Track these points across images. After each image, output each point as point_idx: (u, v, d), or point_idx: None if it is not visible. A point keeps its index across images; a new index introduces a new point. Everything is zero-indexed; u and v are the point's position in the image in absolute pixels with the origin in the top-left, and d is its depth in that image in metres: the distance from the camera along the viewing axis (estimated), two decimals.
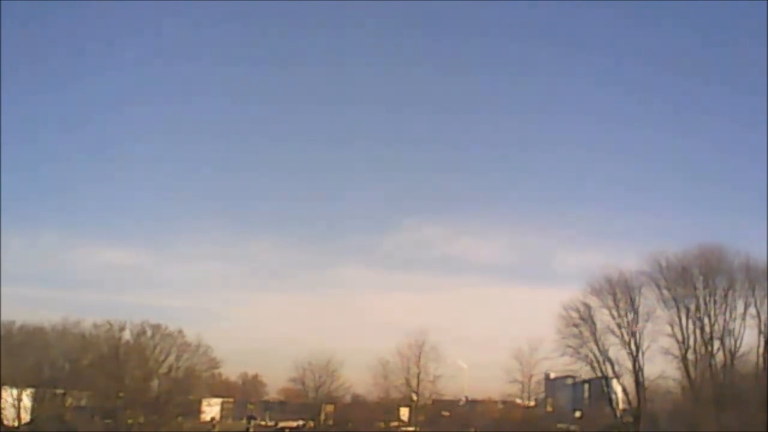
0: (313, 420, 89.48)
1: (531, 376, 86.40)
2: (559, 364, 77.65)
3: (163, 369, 76.46)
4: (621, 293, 72.05)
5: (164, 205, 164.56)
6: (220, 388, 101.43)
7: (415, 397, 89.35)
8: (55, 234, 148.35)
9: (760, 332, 70.17)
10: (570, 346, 72.85)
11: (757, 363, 70.44)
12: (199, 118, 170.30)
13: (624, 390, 74.76)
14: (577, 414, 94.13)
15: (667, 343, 71.35)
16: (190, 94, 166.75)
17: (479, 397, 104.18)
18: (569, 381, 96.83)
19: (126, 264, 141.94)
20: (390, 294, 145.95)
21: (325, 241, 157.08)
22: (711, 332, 70.94)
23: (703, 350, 71.20)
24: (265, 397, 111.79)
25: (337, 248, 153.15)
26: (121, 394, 72.73)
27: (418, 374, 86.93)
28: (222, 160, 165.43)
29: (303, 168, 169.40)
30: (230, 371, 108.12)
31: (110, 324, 76.94)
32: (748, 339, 70.84)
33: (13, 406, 74.21)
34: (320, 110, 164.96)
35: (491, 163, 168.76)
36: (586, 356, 72.80)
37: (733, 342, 71.02)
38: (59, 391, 77.48)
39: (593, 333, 72.28)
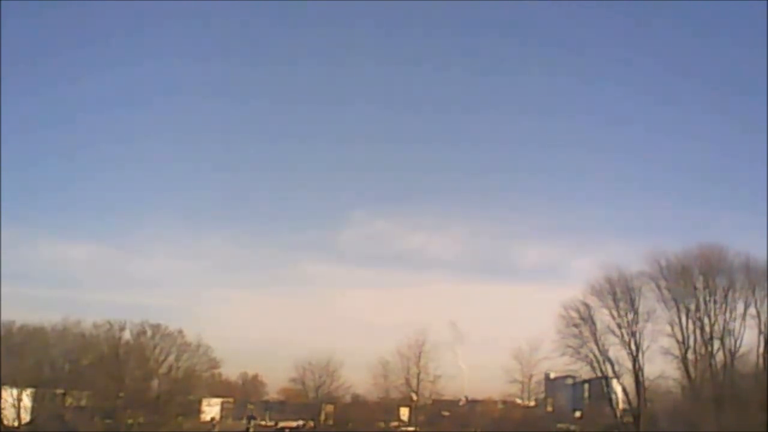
0: (313, 420, 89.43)
1: (531, 376, 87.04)
2: (559, 364, 77.87)
3: (163, 369, 76.49)
4: (621, 293, 72.01)
5: (126, 201, 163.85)
6: (220, 388, 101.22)
7: (415, 397, 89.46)
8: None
9: (760, 332, 70.21)
10: (570, 346, 72.91)
11: (757, 363, 70.45)
12: (169, 117, 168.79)
13: (624, 390, 74.66)
14: (577, 414, 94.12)
15: (667, 343, 71.44)
16: (167, 93, 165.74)
17: (479, 397, 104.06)
18: (569, 381, 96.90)
19: (90, 260, 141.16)
20: (362, 290, 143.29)
21: (278, 236, 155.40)
22: (711, 332, 70.93)
23: (703, 350, 71.18)
24: (265, 397, 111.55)
25: (292, 243, 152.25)
26: (121, 394, 72.77)
27: (418, 374, 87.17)
28: (185, 158, 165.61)
29: (264, 166, 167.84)
30: (230, 371, 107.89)
31: (110, 324, 77.15)
32: (748, 339, 70.93)
33: (13, 406, 74.17)
34: (277, 108, 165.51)
35: (489, 162, 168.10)
36: (586, 356, 72.81)
37: (733, 342, 71.08)
38: (59, 391, 77.63)
39: (593, 333, 72.28)
